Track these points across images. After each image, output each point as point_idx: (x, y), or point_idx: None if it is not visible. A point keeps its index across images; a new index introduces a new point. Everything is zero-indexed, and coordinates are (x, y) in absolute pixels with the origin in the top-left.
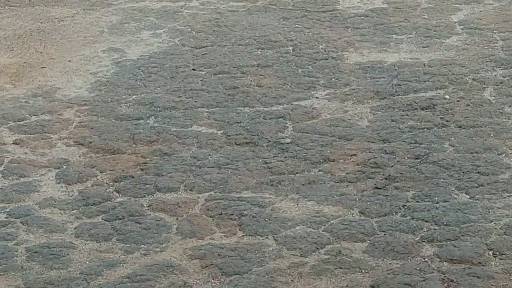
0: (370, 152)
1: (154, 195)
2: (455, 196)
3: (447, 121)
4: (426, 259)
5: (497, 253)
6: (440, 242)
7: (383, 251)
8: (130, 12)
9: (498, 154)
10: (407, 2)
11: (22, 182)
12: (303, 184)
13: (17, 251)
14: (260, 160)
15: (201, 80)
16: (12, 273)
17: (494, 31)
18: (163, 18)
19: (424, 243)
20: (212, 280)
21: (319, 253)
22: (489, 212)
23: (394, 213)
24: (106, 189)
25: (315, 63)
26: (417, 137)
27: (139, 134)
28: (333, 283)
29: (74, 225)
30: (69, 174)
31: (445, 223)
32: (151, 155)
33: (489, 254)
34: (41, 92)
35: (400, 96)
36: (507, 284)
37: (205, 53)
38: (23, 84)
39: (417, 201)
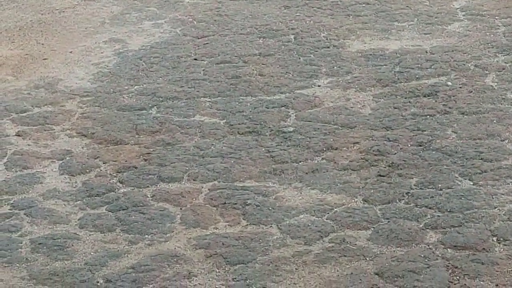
0: (373, 139)
1: (158, 185)
2: (459, 183)
3: (449, 107)
4: (430, 246)
5: (501, 239)
6: (444, 228)
7: (387, 238)
8: (131, 3)
9: (501, 140)
10: None
11: (25, 174)
12: (306, 173)
13: (21, 243)
14: (263, 149)
15: (203, 70)
16: (17, 264)
17: (496, 17)
18: (164, 8)
19: (428, 230)
20: (217, 270)
21: (323, 241)
22: (493, 198)
23: (397, 201)
24: (110, 180)
25: (317, 51)
26: (420, 124)
27: (142, 124)
28: (337, 271)
29: (78, 216)
30: (73, 165)
31: (448, 210)
32: (154, 146)
33: (493, 240)
34: (43, 84)
35: (402, 84)
36: (511, 270)
37: (207, 43)
38: (25, 75)
39: (420, 188)
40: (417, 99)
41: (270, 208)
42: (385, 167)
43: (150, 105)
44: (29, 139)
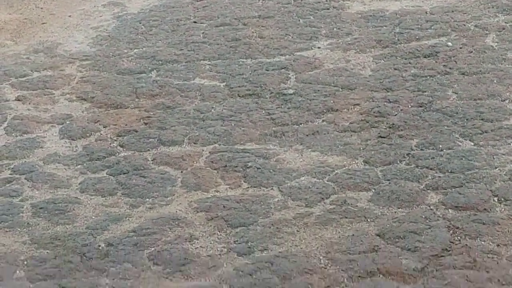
0: (373, 101)
1: (158, 149)
2: (459, 144)
3: (450, 68)
4: (431, 207)
5: (502, 199)
6: (445, 189)
7: (388, 199)
8: None
9: (501, 100)
10: None
11: (25, 139)
12: (307, 135)
13: (22, 208)
14: (264, 112)
15: (203, 33)
16: (18, 229)
17: None
18: None
19: (429, 191)
20: (218, 232)
21: (324, 203)
22: (494, 158)
23: (398, 162)
24: (110, 143)
25: (316, 13)
26: (420, 85)
27: (142, 88)
28: (338, 232)
29: (79, 180)
30: (73, 129)
31: (449, 171)
32: (154, 109)
33: (494, 200)
34: (42, 48)
35: (402, 44)
36: None
37: (206, 5)
38: (24, 40)
39: (421, 149)
40: (417, 60)
41: (271, 170)
42: (385, 129)
43: (149, 69)
44: (29, 103)
